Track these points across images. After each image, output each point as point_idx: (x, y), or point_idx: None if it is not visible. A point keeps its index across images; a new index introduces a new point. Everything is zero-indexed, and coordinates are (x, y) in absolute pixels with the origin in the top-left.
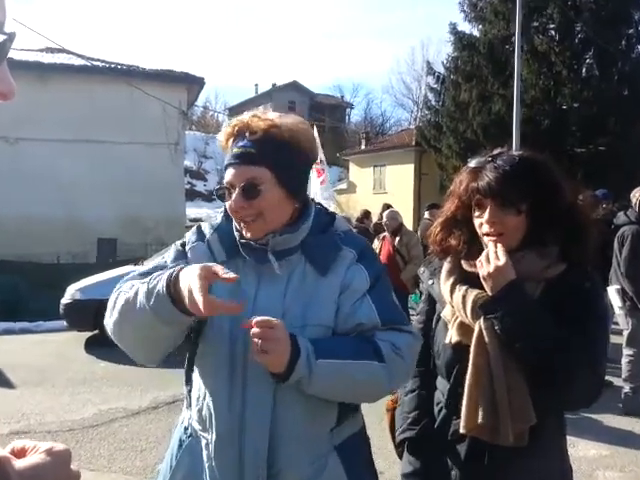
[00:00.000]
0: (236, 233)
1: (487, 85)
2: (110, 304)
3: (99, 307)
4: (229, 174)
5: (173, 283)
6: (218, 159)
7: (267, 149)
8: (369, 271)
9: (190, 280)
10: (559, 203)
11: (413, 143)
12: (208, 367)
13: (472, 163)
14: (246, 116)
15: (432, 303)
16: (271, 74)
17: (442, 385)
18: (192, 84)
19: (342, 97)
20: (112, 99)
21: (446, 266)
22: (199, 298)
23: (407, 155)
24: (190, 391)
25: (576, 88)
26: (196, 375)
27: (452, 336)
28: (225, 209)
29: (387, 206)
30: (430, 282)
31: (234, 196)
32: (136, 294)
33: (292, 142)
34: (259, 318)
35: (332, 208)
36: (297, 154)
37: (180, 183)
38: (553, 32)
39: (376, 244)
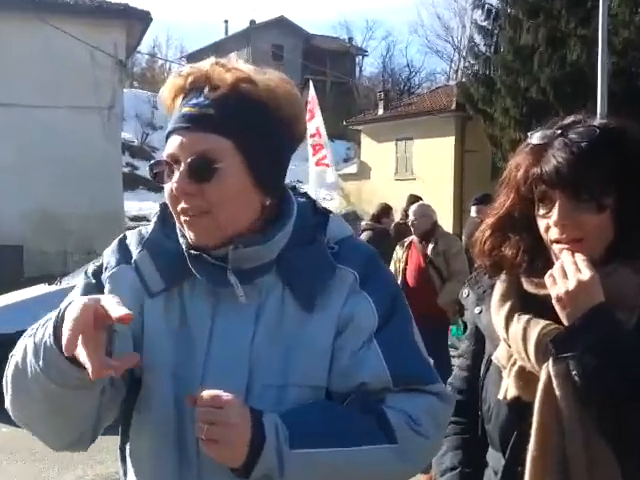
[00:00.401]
0: (182, 240)
1: (560, 23)
2: (5, 374)
3: None
4: (172, 144)
5: (61, 327)
6: None
7: (233, 112)
8: (377, 301)
9: (71, 326)
10: None
11: (453, 106)
12: (148, 450)
13: (534, 138)
14: (206, 63)
15: (480, 340)
16: (248, 8)
17: (494, 460)
18: (133, 21)
19: (350, 40)
20: (17, 43)
21: (499, 287)
22: (83, 357)
23: (444, 124)
24: (126, 472)
25: None
26: (134, 454)
27: (508, 389)
28: (161, 207)
29: (415, 198)
30: (477, 310)
31: (177, 175)
32: (25, 353)
33: (270, 107)
34: (205, 394)
35: (336, 201)
36: (276, 125)
37: (116, 165)
38: None
39: (400, 254)
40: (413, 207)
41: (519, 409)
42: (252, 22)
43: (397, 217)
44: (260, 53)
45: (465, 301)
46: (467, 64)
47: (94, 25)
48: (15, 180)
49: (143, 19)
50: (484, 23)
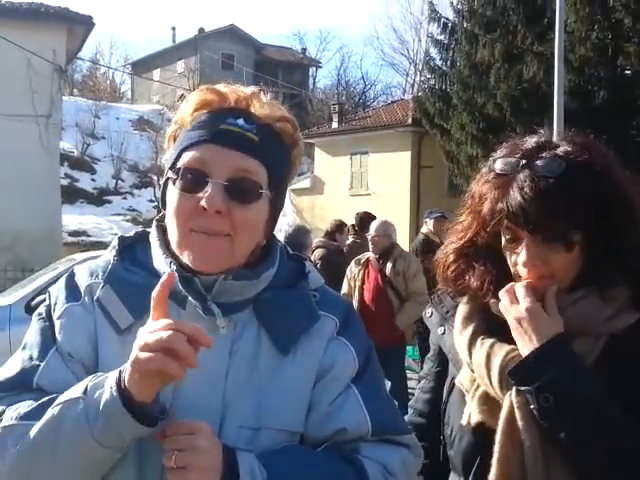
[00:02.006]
0: (167, 260)
1: (516, 38)
2: None
3: None
4: (206, 154)
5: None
6: (114, 140)
7: (271, 146)
8: (356, 348)
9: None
10: (630, 226)
11: (409, 121)
12: None
13: (497, 164)
14: (246, 90)
15: (444, 362)
16: (197, 16)
17: None
18: (74, 26)
19: (304, 50)
20: None
21: (462, 309)
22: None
23: (401, 138)
24: None
25: None
26: None
27: (472, 414)
28: (119, 240)
29: (368, 216)
30: (440, 331)
31: (212, 189)
32: (50, 424)
33: (293, 149)
34: (174, 423)
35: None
36: (292, 169)
37: (54, 176)
38: None
39: (355, 272)
40: (375, 224)
41: (483, 435)
42: (201, 30)
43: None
44: (209, 62)
45: (428, 321)
46: (423, 78)
47: (32, 29)
48: None
49: (84, 23)
50: (440, 37)
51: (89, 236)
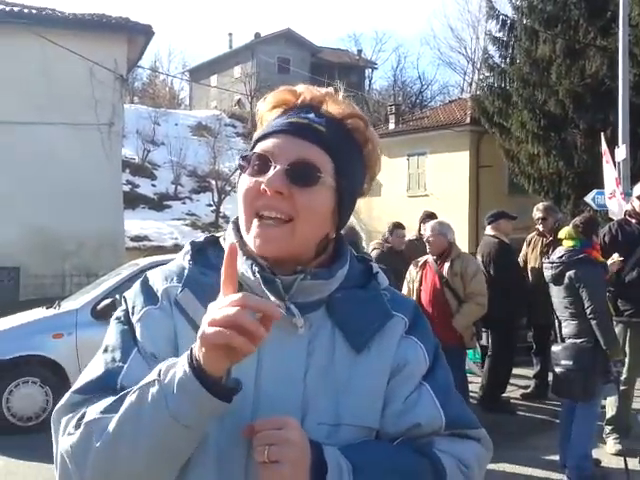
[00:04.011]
0: (247, 262)
1: (578, 33)
2: (70, 448)
3: None
4: (273, 143)
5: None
6: (173, 146)
7: (340, 137)
8: (427, 347)
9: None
10: None
11: (467, 120)
12: None
13: None
14: (319, 89)
15: None
16: (253, 21)
17: None
18: (134, 36)
19: (359, 52)
20: (14, 58)
21: None
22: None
23: (459, 138)
24: None
25: None
26: None
27: None
28: (191, 245)
29: (429, 215)
30: None
31: (274, 171)
32: (128, 413)
33: (368, 149)
34: (261, 419)
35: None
36: (364, 163)
37: (116, 183)
38: None
39: (414, 273)
40: (430, 224)
41: None
42: (257, 35)
43: (410, 235)
44: (265, 66)
45: None
46: (481, 76)
47: (94, 40)
48: (12, 199)
49: (145, 33)
50: (499, 34)
51: (150, 241)
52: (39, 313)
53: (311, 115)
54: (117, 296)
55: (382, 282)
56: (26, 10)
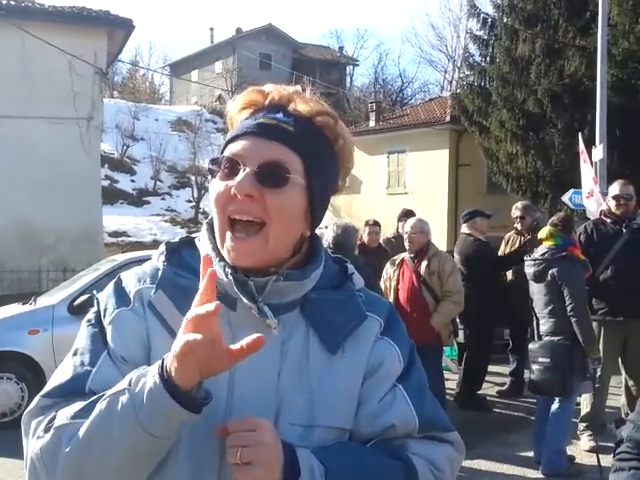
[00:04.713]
0: (220, 264)
1: (558, 33)
2: (40, 452)
3: None
4: (242, 146)
5: (168, 370)
6: (153, 141)
7: (309, 136)
8: (401, 348)
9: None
10: None
11: (447, 118)
12: None
13: None
14: (289, 89)
15: None
16: (235, 17)
17: None
18: (115, 29)
19: (341, 49)
20: None
21: None
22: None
23: (438, 136)
24: None
25: None
26: None
27: None
28: (166, 246)
29: (407, 213)
30: None
31: (242, 174)
32: (99, 420)
33: (337, 143)
34: (235, 420)
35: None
36: (336, 160)
37: (95, 178)
38: None
39: (391, 272)
40: (411, 221)
41: None
42: (239, 30)
43: (388, 232)
44: (247, 62)
45: None
46: (462, 75)
47: (74, 33)
48: None
49: (125, 27)
50: (479, 33)
51: (129, 236)
52: (15, 309)
53: (279, 115)
54: (95, 292)
55: (357, 283)
56: (4, 1)
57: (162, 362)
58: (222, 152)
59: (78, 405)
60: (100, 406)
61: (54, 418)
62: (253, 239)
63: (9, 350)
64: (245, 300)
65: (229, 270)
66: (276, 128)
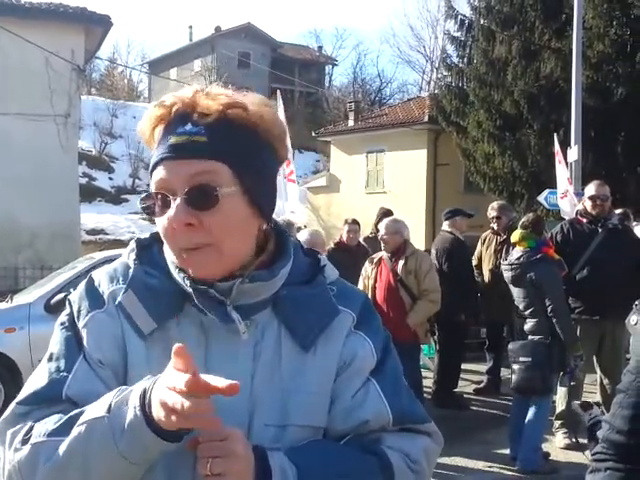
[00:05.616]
0: (180, 274)
1: (534, 35)
2: (18, 470)
3: None
4: (163, 175)
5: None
6: (131, 139)
7: (224, 137)
8: (374, 341)
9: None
10: None
11: (425, 119)
12: None
13: None
14: (188, 92)
15: None
16: (214, 14)
17: None
18: (92, 26)
19: (320, 48)
20: None
21: None
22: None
23: (416, 136)
24: None
25: None
26: None
27: None
28: (137, 243)
29: (385, 212)
30: None
31: (174, 207)
32: (78, 440)
33: (259, 130)
34: (205, 430)
35: (304, 215)
36: (265, 147)
37: (72, 175)
38: None
39: (369, 270)
40: (385, 222)
41: None
42: (217, 28)
43: (368, 231)
44: (226, 61)
45: (633, 329)
46: (440, 75)
47: (50, 29)
48: None
49: (102, 23)
50: (457, 34)
51: (107, 234)
52: None
53: (188, 127)
54: (71, 290)
55: (329, 275)
56: None
57: (144, 393)
58: (151, 178)
59: (55, 419)
60: (79, 429)
61: (31, 429)
62: (207, 253)
63: None
64: (209, 314)
65: (188, 282)
66: (189, 144)
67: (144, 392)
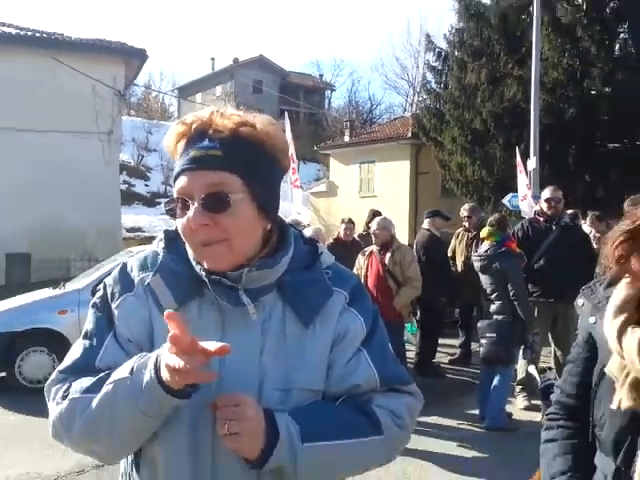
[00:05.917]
0: (198, 267)
1: (499, 64)
2: (59, 414)
3: (9, 342)
4: (184, 183)
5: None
6: (164, 152)
7: (236, 151)
8: (364, 317)
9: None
10: None
11: (409, 135)
12: (164, 458)
13: None
14: (205, 112)
15: (593, 349)
16: (232, 47)
17: (604, 464)
18: (131, 58)
19: (321, 76)
20: (27, 75)
21: (616, 297)
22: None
23: (401, 149)
24: (138, 460)
25: (608, 69)
26: (149, 463)
27: (622, 400)
28: (165, 234)
29: (375, 213)
30: (592, 320)
31: (192, 210)
32: (107, 399)
33: (266, 145)
34: (222, 396)
35: (307, 215)
36: (271, 159)
37: (114, 183)
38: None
39: (361, 262)
40: (376, 220)
41: (634, 419)
42: (235, 60)
43: (361, 229)
44: (242, 87)
45: (580, 310)
46: (420, 99)
47: (96, 61)
48: (26, 196)
49: (139, 56)
50: (435, 64)
51: (143, 232)
52: (47, 292)
53: (205, 142)
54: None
55: (325, 261)
56: (38, 34)
57: (156, 360)
58: (174, 184)
59: (88, 380)
60: (107, 388)
61: (69, 387)
62: (220, 246)
63: (42, 327)
64: (219, 299)
65: (203, 273)
66: (206, 157)
67: (157, 357)
